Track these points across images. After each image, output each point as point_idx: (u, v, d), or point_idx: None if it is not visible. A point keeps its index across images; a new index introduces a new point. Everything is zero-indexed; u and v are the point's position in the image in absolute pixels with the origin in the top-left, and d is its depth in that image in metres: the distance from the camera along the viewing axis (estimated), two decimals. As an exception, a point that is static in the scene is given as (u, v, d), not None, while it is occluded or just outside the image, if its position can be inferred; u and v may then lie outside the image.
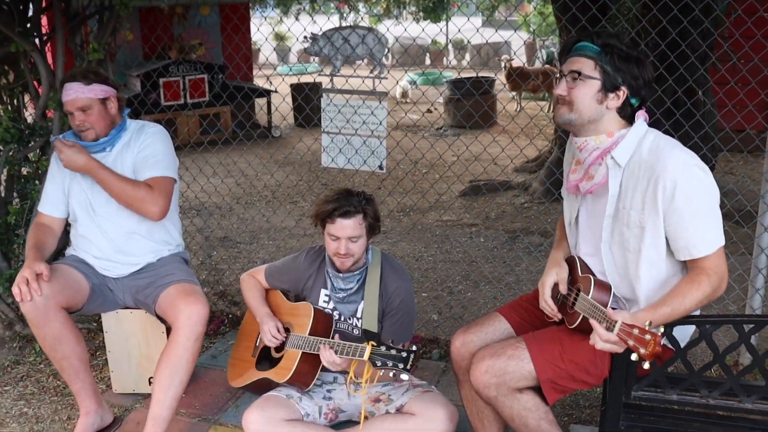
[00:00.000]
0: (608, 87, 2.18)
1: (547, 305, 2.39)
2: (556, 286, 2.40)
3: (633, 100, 2.21)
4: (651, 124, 2.28)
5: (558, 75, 2.27)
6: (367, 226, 2.70)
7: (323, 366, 2.73)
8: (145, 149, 3.03)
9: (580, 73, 2.19)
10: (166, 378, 2.79)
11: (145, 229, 3.08)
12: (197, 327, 2.82)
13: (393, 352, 2.46)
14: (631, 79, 2.18)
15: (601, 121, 2.22)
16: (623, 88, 2.19)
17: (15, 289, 2.75)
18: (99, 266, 3.10)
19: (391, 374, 2.46)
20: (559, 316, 2.37)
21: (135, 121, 3.17)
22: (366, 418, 2.78)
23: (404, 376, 2.44)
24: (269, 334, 2.85)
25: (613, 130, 2.22)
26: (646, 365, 1.97)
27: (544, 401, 2.33)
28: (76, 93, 2.95)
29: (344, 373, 2.76)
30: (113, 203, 3.01)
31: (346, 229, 2.66)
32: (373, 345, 2.49)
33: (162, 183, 2.98)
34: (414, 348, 2.46)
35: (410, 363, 2.44)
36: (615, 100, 2.19)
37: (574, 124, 2.23)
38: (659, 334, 1.94)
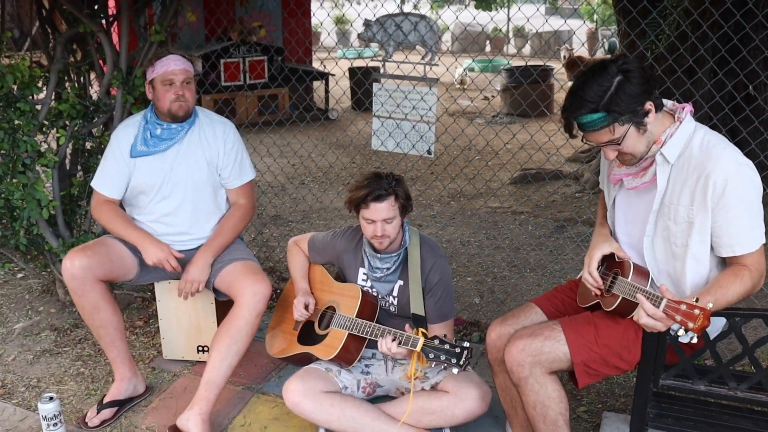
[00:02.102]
0: (640, 121, 2.13)
1: (591, 277, 2.37)
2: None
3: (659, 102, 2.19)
4: (699, 120, 2.26)
5: (591, 143, 2.24)
6: (400, 207, 2.75)
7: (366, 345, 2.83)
8: (238, 153, 3.20)
9: (616, 141, 2.15)
10: (224, 347, 2.90)
11: (211, 214, 3.22)
12: (260, 304, 2.94)
13: (446, 346, 2.49)
14: (644, 95, 2.10)
15: (652, 138, 2.20)
16: (647, 105, 2.13)
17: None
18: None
19: (443, 367, 2.52)
20: (603, 287, 2.36)
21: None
22: (402, 393, 2.88)
23: (455, 370, 2.47)
24: (297, 309, 2.96)
25: (660, 137, 2.20)
26: (695, 339, 1.96)
27: (568, 393, 2.37)
28: (182, 64, 3.04)
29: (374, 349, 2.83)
30: (187, 190, 3.13)
31: (381, 212, 2.70)
32: (424, 335, 2.55)
33: (251, 186, 3.30)
34: (467, 344, 2.48)
35: (463, 359, 2.45)
36: (651, 116, 2.15)
37: (644, 157, 2.24)
38: (708, 308, 1.94)
